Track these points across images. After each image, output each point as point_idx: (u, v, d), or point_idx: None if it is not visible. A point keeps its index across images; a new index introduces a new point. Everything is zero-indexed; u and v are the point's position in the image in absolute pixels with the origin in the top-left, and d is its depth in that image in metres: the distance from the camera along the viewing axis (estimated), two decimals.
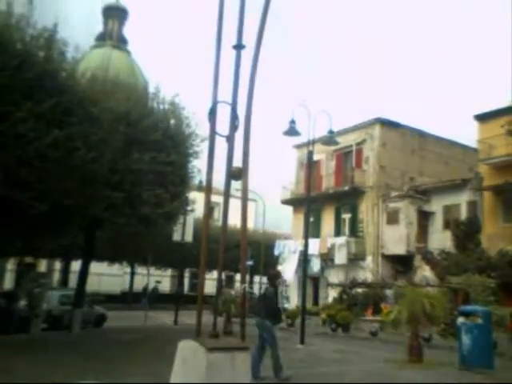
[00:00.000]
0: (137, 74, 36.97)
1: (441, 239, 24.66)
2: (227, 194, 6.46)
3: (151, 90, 16.64)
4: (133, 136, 14.26)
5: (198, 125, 16.25)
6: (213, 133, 6.41)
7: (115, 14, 43.09)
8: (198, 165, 17.03)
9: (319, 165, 31.24)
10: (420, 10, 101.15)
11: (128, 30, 44.38)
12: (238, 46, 6.46)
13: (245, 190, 6.25)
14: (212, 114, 6.36)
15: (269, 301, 9.29)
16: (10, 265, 34.05)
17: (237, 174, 6.28)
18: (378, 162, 28.73)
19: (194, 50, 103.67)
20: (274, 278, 9.88)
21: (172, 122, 16.12)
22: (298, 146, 32.97)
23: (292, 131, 16.23)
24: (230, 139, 6.34)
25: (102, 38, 41.77)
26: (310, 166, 18.91)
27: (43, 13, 13.11)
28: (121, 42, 42.50)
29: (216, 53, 6.50)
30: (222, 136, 6.40)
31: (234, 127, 6.38)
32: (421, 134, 30.68)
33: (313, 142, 16.84)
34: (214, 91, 6.38)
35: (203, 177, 15.91)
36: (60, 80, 12.22)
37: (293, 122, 16.07)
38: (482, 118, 24.64)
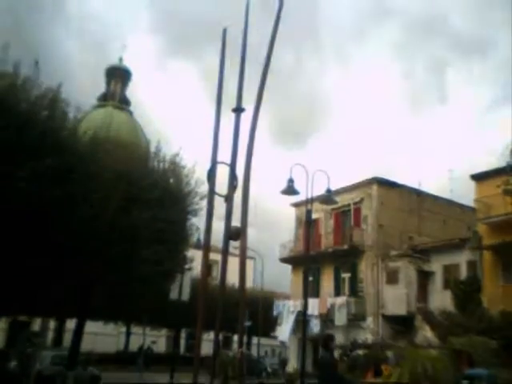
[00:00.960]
0: (138, 133, 37.36)
1: (441, 299, 24.31)
2: (225, 254, 6.44)
3: (152, 148, 16.90)
4: (133, 194, 14.36)
5: (198, 183, 16.43)
6: (211, 193, 6.47)
7: (118, 75, 43.61)
8: (197, 222, 17.08)
9: (318, 223, 31.19)
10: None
11: (130, 89, 45.20)
12: (238, 110, 6.62)
13: (243, 250, 6.24)
14: (211, 174, 6.45)
15: (327, 368, 8.15)
16: (3, 323, 33.37)
17: (235, 234, 6.29)
18: (377, 221, 28.64)
19: (194, 110, 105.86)
20: (329, 341, 8.78)
21: (172, 180, 16.28)
22: (297, 205, 32.98)
23: (290, 190, 16.27)
24: (228, 199, 6.39)
25: (104, 98, 42.18)
26: (309, 226, 18.87)
27: (48, 73, 13.50)
28: (123, 103, 42.81)
29: (216, 115, 6.66)
30: (220, 196, 6.46)
31: (232, 187, 6.44)
32: (418, 194, 30.78)
33: (311, 201, 16.89)
34: (214, 152, 6.50)
35: (201, 235, 15.94)
36: (62, 138, 12.44)
37: (291, 180, 16.16)
38: (479, 177, 24.84)
